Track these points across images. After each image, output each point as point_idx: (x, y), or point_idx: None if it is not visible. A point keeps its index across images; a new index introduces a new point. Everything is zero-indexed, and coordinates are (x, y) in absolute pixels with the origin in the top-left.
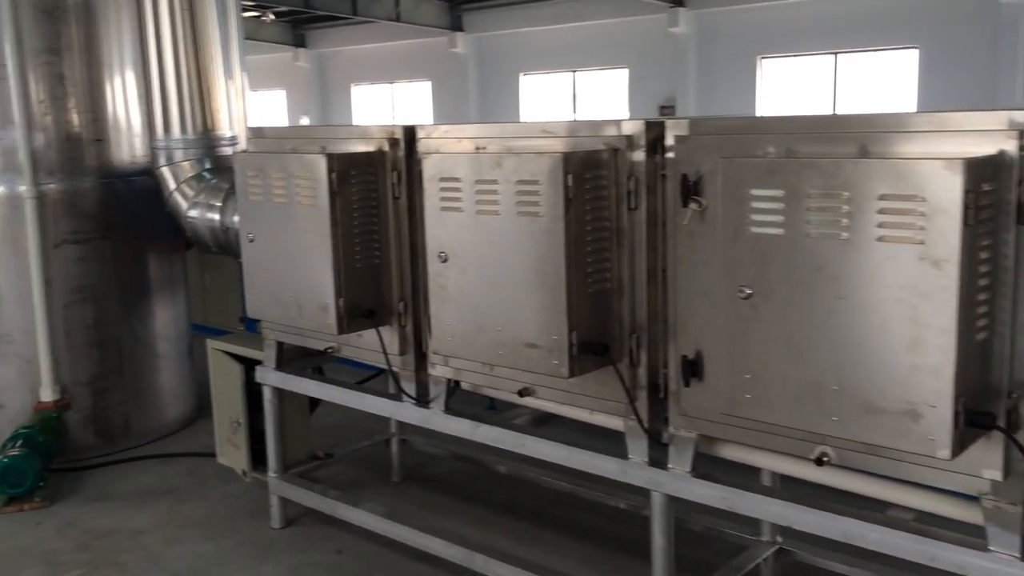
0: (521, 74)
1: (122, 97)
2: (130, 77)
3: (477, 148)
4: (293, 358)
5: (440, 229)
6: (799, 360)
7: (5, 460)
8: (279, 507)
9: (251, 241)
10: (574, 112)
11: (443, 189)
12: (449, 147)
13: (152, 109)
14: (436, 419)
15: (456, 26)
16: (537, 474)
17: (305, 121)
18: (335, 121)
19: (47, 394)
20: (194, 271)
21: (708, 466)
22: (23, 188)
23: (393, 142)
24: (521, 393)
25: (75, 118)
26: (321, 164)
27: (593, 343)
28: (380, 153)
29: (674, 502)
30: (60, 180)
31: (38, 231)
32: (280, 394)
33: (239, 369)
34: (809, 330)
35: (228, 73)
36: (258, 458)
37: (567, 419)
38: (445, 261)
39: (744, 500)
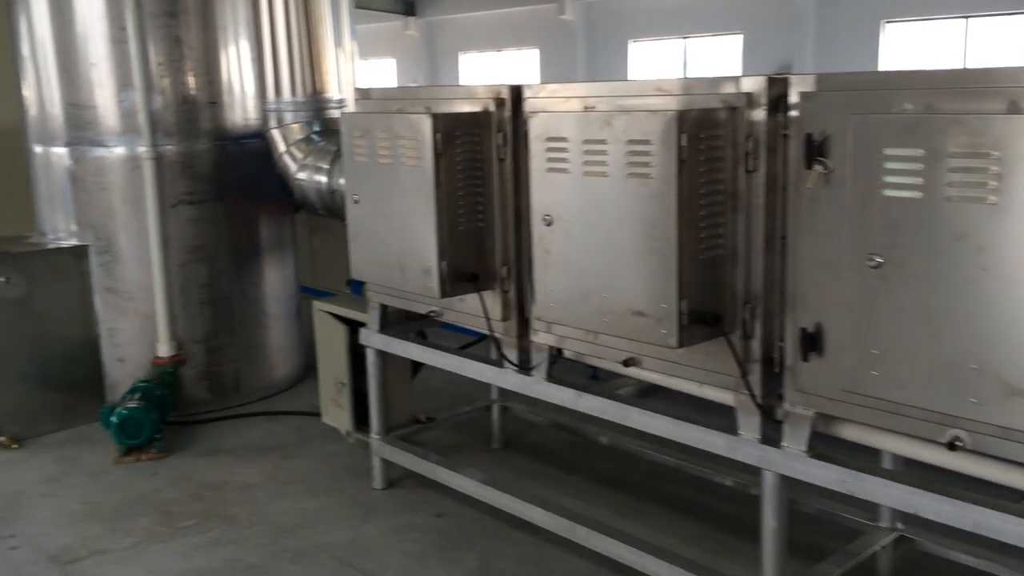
0: (630, 41)
1: (236, 60)
2: (243, 41)
3: (586, 107)
4: (397, 321)
5: (545, 191)
6: (935, 336)
7: (124, 412)
8: (381, 468)
9: (356, 203)
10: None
11: (549, 150)
12: (556, 107)
13: (264, 72)
14: (538, 387)
15: None
16: (640, 446)
17: None
18: None
19: (163, 349)
20: (303, 234)
21: (823, 445)
22: (142, 149)
23: (499, 102)
24: (626, 363)
25: (191, 81)
26: (426, 124)
27: (704, 313)
28: (486, 113)
29: (787, 482)
30: (177, 142)
31: (156, 191)
32: (383, 357)
33: (344, 331)
34: (947, 303)
35: (337, 37)
36: (361, 419)
37: (673, 391)
38: (550, 225)
39: (865, 484)
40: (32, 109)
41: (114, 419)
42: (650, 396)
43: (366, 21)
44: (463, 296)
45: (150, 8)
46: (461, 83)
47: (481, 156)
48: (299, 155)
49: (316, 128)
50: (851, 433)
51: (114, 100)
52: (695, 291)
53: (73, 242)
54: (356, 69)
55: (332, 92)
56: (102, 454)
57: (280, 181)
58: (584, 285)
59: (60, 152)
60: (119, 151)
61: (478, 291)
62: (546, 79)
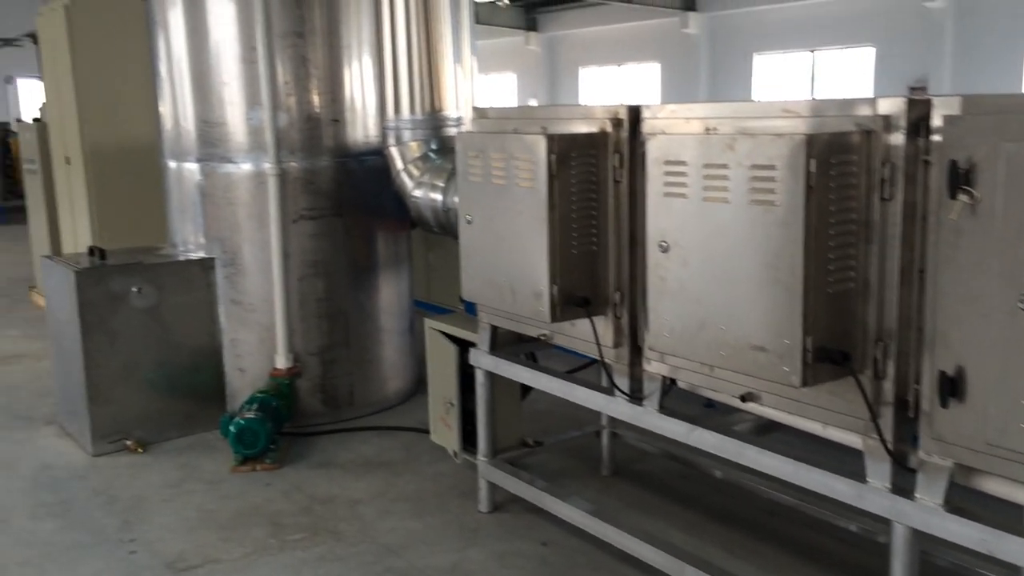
0: (755, 54)
1: (358, 79)
2: (366, 59)
3: (707, 129)
4: (508, 342)
5: (662, 216)
6: None
7: (241, 422)
8: (487, 491)
9: (469, 223)
10: (812, 95)
11: (667, 173)
12: (676, 128)
13: (384, 90)
14: (649, 418)
15: (688, 6)
16: (756, 483)
17: (533, 103)
18: (562, 103)
19: (281, 361)
20: (418, 249)
21: (961, 496)
22: (267, 166)
23: (617, 123)
24: (743, 398)
25: (315, 99)
26: (541, 145)
27: (831, 350)
28: (603, 134)
29: (920, 537)
30: (300, 159)
31: (279, 207)
32: (492, 378)
33: (454, 350)
34: None
35: (457, 55)
36: (469, 440)
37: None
38: (666, 251)
39: (1008, 544)
40: (167, 126)
41: (232, 429)
42: (769, 432)
43: (487, 37)
44: (574, 320)
45: (279, 28)
46: (581, 97)
47: (596, 178)
48: (416, 173)
49: (433, 146)
50: (994, 487)
51: (243, 118)
52: (822, 326)
53: (201, 254)
54: (475, 86)
55: (450, 110)
56: (220, 462)
57: (397, 198)
58: (701, 315)
59: (192, 167)
60: (246, 167)
61: (589, 316)
62: (667, 93)
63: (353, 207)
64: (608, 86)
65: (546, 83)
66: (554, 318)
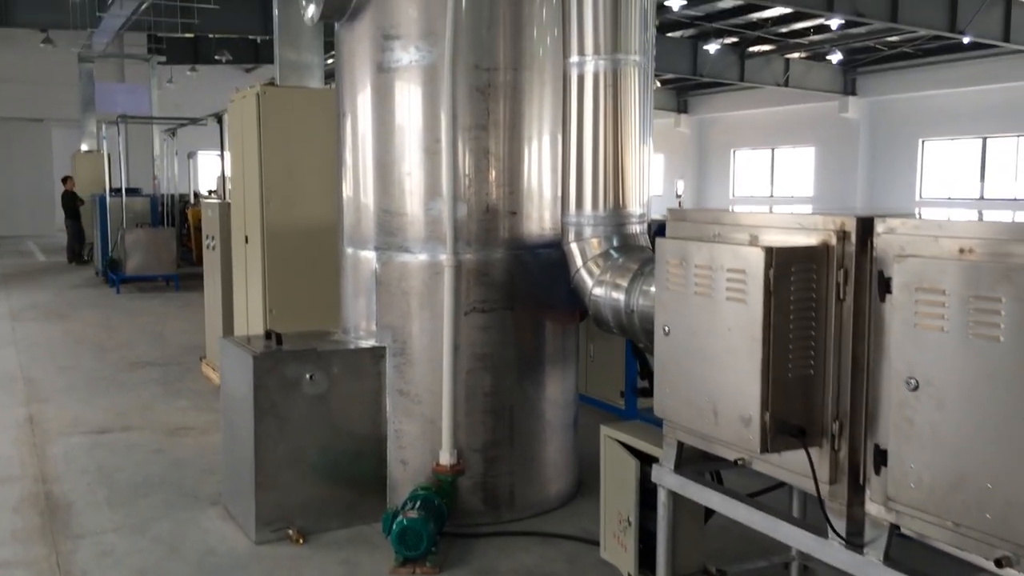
0: (921, 139)
1: (537, 171)
2: (546, 152)
3: (961, 250)
4: (693, 457)
5: (911, 350)
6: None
7: (404, 522)
8: None
9: (666, 334)
10: (982, 182)
11: (920, 302)
12: (921, 247)
13: (567, 184)
14: (872, 570)
15: (849, 90)
16: None
17: (680, 185)
18: (710, 187)
19: (445, 457)
20: (579, 339)
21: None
22: (443, 257)
23: (843, 235)
24: (1000, 562)
25: (494, 191)
26: (758, 258)
27: None
28: (825, 247)
29: None
30: (476, 250)
31: (453, 298)
32: (675, 498)
33: (634, 465)
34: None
35: (642, 151)
36: (644, 560)
37: None
38: (915, 389)
39: None
40: (348, 212)
41: (395, 528)
42: None
43: None
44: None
45: (463, 121)
46: (732, 180)
47: (816, 294)
48: (596, 271)
49: (615, 242)
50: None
51: (423, 208)
52: None
53: (372, 342)
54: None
55: (634, 205)
56: (380, 561)
57: (568, 291)
58: (960, 469)
59: (369, 255)
60: (422, 257)
61: (804, 447)
62: (821, 177)
63: (525, 300)
64: (759, 169)
65: (695, 165)
66: (764, 448)
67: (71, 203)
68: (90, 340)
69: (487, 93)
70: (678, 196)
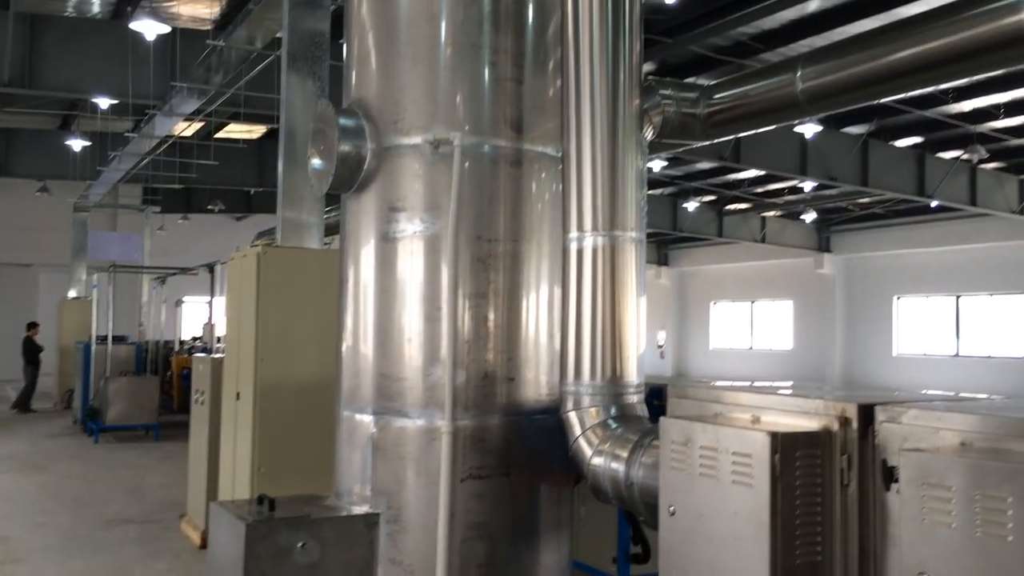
0: (895, 296)
1: (535, 338)
2: (544, 320)
3: (963, 443)
4: None
5: (920, 544)
6: None
7: None
8: None
9: (672, 515)
10: (956, 339)
11: (926, 497)
12: (923, 439)
13: (565, 353)
14: None
15: (824, 247)
16: None
17: (661, 336)
18: (690, 338)
19: None
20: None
21: None
22: (441, 422)
23: (844, 421)
24: None
25: (493, 357)
26: (763, 443)
27: None
28: (827, 433)
29: None
30: (473, 416)
31: (450, 465)
32: None
33: None
34: None
35: (638, 320)
36: None
37: None
38: None
39: None
40: (346, 376)
41: None
42: None
43: None
44: None
45: (464, 289)
46: (711, 332)
47: (821, 480)
48: (595, 440)
49: (613, 412)
50: None
51: (421, 373)
52: None
53: (365, 508)
54: (645, 337)
55: (631, 377)
56: None
57: (565, 457)
58: None
59: (366, 419)
60: (420, 422)
61: None
62: (800, 331)
63: (521, 467)
64: (738, 321)
65: (675, 316)
66: None
67: (34, 350)
68: (67, 494)
69: (488, 263)
70: (660, 346)
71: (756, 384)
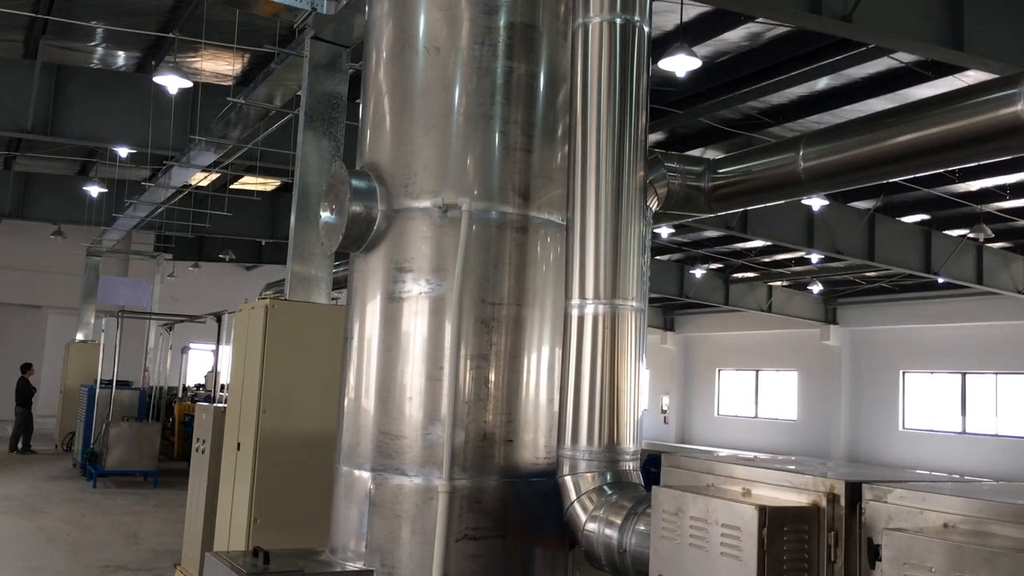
0: (901, 371)
1: (534, 401)
2: (544, 384)
3: (945, 525)
4: None
5: None
6: None
7: None
8: None
9: None
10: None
11: None
12: (907, 519)
13: (564, 417)
14: None
15: (830, 319)
16: None
17: (665, 401)
18: (695, 404)
19: None
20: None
21: None
22: (438, 482)
23: (832, 497)
24: None
25: (492, 418)
26: (752, 516)
27: None
28: (815, 508)
29: None
30: (470, 477)
31: (446, 524)
32: None
33: None
34: None
35: (636, 388)
36: None
37: None
38: None
39: None
40: (347, 432)
41: None
42: None
43: None
44: None
45: (466, 351)
46: (717, 399)
47: (808, 555)
48: (590, 506)
49: (609, 479)
50: None
51: (421, 432)
52: None
53: (360, 564)
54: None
55: (627, 444)
56: None
57: (559, 521)
58: None
59: (364, 475)
60: (417, 481)
61: None
62: (805, 400)
63: (516, 529)
64: (743, 390)
65: (680, 381)
66: None
67: (27, 392)
68: (63, 539)
69: (491, 325)
70: (664, 411)
71: (758, 458)
